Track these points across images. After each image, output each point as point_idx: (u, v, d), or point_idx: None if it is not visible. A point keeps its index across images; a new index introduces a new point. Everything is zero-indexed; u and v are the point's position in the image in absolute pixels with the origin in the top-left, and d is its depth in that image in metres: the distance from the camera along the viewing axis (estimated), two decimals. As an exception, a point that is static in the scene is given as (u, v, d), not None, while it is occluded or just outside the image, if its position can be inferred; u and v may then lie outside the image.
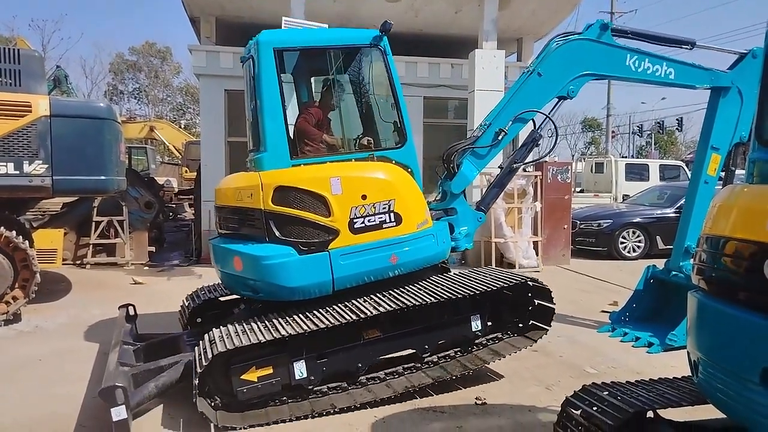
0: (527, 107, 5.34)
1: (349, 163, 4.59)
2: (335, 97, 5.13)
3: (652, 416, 2.82)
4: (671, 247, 6.30)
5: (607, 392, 2.97)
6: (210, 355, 3.71)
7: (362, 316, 4.11)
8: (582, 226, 11.81)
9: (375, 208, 4.42)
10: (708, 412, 2.75)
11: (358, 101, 5.21)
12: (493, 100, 10.46)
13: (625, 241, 11.54)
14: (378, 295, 4.47)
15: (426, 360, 4.51)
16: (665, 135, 43.29)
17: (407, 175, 4.70)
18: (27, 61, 6.65)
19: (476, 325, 4.62)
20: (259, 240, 4.31)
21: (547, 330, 4.80)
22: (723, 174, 6.06)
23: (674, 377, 3.23)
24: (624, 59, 5.52)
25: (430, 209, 5.00)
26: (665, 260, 6.29)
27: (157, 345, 4.91)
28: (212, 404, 3.84)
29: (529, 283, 4.70)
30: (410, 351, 4.51)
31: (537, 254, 10.35)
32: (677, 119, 33.80)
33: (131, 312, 5.47)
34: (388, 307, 4.21)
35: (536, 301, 4.78)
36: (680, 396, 2.88)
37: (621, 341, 5.88)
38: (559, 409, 3.13)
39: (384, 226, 4.46)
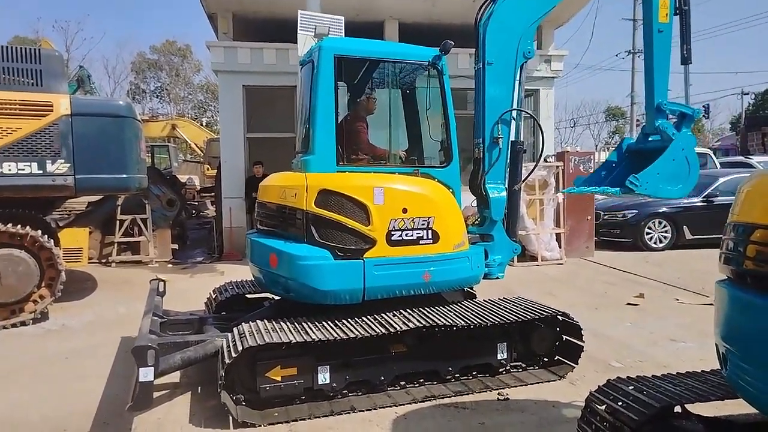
0: (500, 102, 5.05)
1: (394, 175, 4.60)
2: (387, 110, 5.13)
3: (680, 411, 2.74)
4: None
5: (632, 387, 2.90)
6: (240, 348, 3.74)
7: (392, 330, 4.10)
8: (606, 217, 11.62)
9: (414, 222, 4.43)
10: (738, 407, 2.66)
11: (409, 117, 5.21)
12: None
13: (651, 231, 11.28)
14: (408, 310, 4.47)
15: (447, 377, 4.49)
16: (692, 122, 42.38)
17: (450, 195, 4.70)
18: (47, 60, 6.71)
19: (502, 353, 4.57)
20: (297, 239, 4.35)
21: (574, 367, 4.70)
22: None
23: (702, 371, 3.14)
24: None
25: (468, 232, 4.93)
26: (641, 126, 5.43)
27: (183, 323, 5.05)
28: (234, 398, 3.86)
29: (558, 317, 4.65)
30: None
31: (560, 246, 10.21)
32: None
33: (161, 288, 5.59)
34: (418, 324, 4.20)
35: (564, 337, 4.72)
36: (709, 390, 2.79)
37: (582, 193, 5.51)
38: (583, 404, 3.07)
39: (421, 242, 4.47)
